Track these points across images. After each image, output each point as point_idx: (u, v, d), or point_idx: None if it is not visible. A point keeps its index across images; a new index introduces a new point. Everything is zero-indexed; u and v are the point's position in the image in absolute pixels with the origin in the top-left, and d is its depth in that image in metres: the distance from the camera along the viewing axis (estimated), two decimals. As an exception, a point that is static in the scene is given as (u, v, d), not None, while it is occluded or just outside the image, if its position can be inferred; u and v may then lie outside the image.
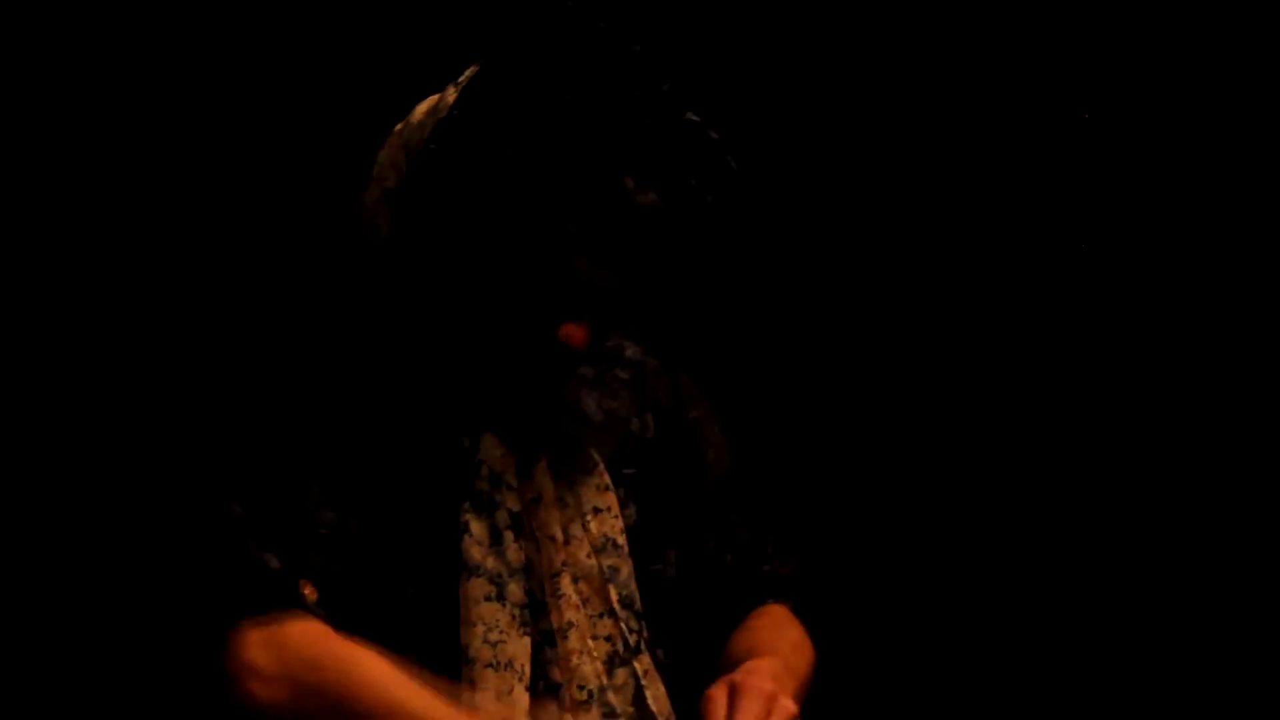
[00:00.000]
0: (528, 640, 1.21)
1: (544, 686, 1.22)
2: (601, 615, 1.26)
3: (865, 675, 3.56)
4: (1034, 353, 3.88)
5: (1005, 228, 3.95)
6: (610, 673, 1.25)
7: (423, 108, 1.29)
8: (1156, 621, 3.61)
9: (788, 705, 1.19)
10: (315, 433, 1.25)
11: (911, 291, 3.98)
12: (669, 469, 1.38)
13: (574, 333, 1.25)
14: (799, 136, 3.85)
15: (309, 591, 1.20)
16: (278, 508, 1.21)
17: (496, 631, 1.22)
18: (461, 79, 1.24)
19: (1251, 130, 3.50)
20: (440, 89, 1.26)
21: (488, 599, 1.22)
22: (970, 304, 3.94)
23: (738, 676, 1.19)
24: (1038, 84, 3.91)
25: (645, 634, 1.27)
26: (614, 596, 1.27)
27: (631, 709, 1.26)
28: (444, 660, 1.21)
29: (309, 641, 1.19)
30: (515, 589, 1.22)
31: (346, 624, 1.20)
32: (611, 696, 1.24)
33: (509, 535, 1.24)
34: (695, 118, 1.22)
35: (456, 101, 1.21)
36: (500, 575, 1.23)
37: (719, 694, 1.18)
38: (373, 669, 1.17)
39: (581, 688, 1.24)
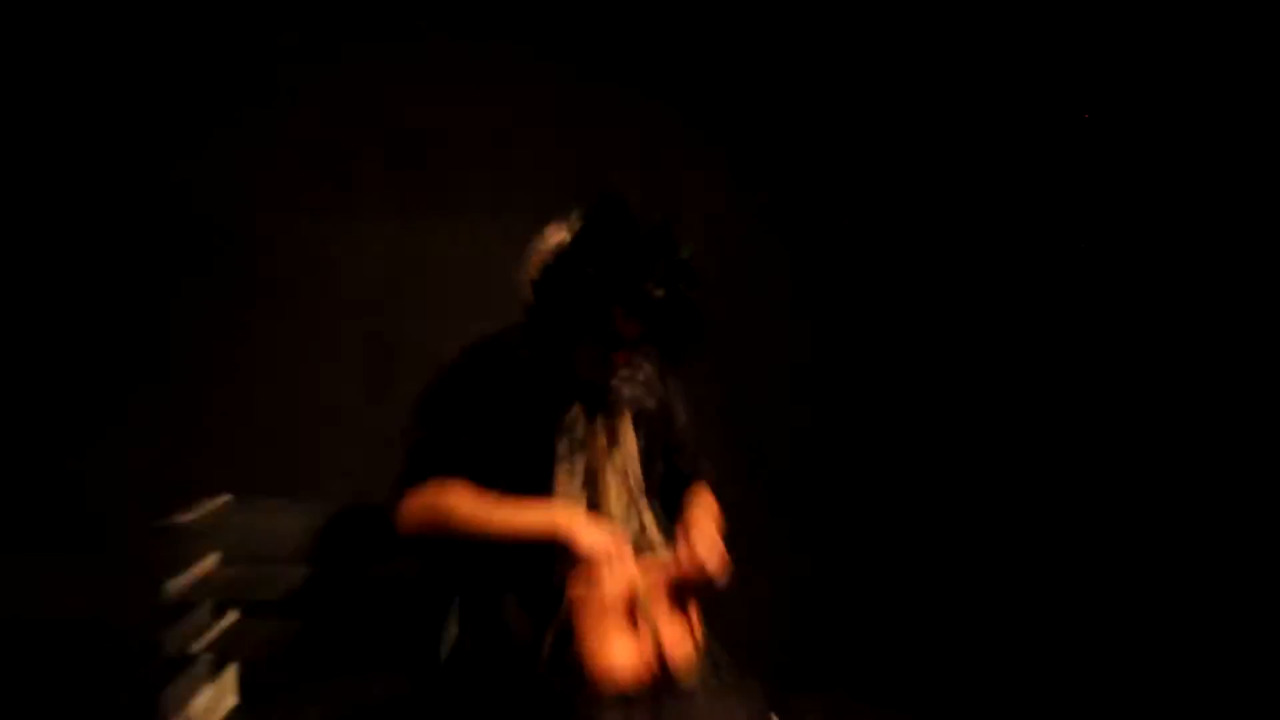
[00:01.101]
0: (585, 495, 2.45)
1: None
2: (625, 487, 2.49)
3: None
4: (1017, 341, 3.87)
5: (990, 224, 3.95)
6: (627, 511, 2.48)
7: (551, 233, 2.42)
8: (1144, 612, 3.60)
9: (720, 551, 2.36)
10: (480, 404, 2.45)
11: (905, 289, 3.97)
12: (660, 424, 2.62)
13: (619, 356, 2.42)
14: (779, 135, 3.87)
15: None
16: (444, 443, 2.43)
17: (568, 489, 2.44)
18: (572, 224, 2.38)
19: (1247, 132, 3.45)
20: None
21: (566, 475, 2.45)
22: (954, 296, 3.93)
23: (694, 528, 2.42)
24: (1033, 85, 3.91)
25: (644, 496, 2.51)
26: (630, 478, 2.50)
27: (638, 528, 2.47)
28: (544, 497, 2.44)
29: (430, 492, 2.40)
30: (579, 472, 2.45)
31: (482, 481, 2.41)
32: (628, 523, 2.47)
33: (579, 449, 2.47)
34: (686, 256, 2.34)
35: (570, 243, 2.36)
36: (572, 466, 2.45)
37: (682, 534, 2.41)
38: (468, 495, 2.40)
39: (612, 518, 2.45)
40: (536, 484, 2.40)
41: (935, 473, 3.86)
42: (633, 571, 2.28)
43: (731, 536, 2.42)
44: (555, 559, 2.32)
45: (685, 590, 2.35)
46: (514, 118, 3.49)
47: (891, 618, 3.82)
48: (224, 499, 2.72)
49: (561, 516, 2.32)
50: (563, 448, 2.43)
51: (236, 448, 3.25)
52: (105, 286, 3.27)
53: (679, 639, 2.31)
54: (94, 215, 3.27)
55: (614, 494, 2.44)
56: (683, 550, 2.34)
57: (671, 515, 2.56)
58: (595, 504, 2.43)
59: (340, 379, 3.36)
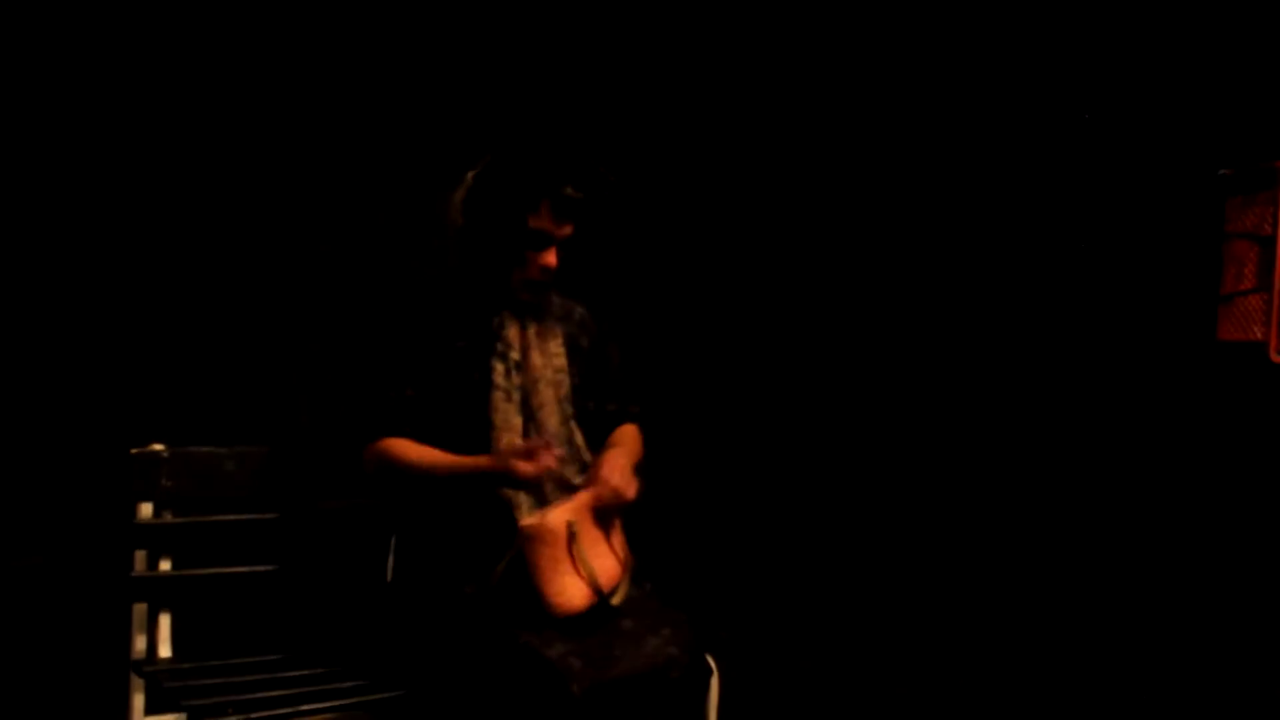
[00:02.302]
0: (521, 418, 2.57)
1: (535, 435, 2.56)
2: (557, 401, 2.62)
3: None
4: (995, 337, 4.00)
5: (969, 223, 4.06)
6: (560, 427, 2.61)
7: (470, 172, 2.62)
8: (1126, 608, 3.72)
9: (634, 480, 2.54)
10: (413, 334, 2.59)
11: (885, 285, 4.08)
12: (594, 362, 2.75)
13: (549, 259, 2.55)
14: (747, 135, 3.95)
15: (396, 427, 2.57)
16: (385, 389, 2.57)
17: (507, 414, 2.57)
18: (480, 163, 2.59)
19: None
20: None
21: (504, 400, 2.57)
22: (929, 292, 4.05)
23: (607, 459, 2.55)
24: (1023, 87, 4.01)
25: (575, 413, 2.65)
26: (562, 392, 2.64)
27: (571, 443, 2.60)
28: (478, 433, 2.54)
29: (389, 445, 2.55)
30: (515, 394, 2.59)
31: (425, 430, 2.55)
32: (561, 437, 2.59)
33: (514, 370, 2.60)
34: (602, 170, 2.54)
35: (491, 160, 2.57)
36: (509, 389, 2.58)
37: (597, 465, 2.54)
38: (421, 449, 2.54)
39: (549, 433, 2.56)
40: (477, 410, 2.53)
41: (856, 418, 3.98)
42: (566, 504, 2.43)
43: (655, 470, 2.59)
44: (500, 493, 2.48)
45: (607, 516, 2.50)
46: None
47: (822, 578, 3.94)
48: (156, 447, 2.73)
49: (499, 459, 2.45)
50: (499, 374, 2.55)
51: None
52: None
53: (608, 565, 2.46)
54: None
55: (550, 408, 2.58)
56: (597, 478, 2.49)
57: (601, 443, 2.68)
58: (532, 418, 2.57)
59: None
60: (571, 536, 2.39)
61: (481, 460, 2.46)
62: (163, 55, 3.17)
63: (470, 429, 2.52)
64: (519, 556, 2.38)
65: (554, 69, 3.65)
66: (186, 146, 3.21)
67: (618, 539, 2.54)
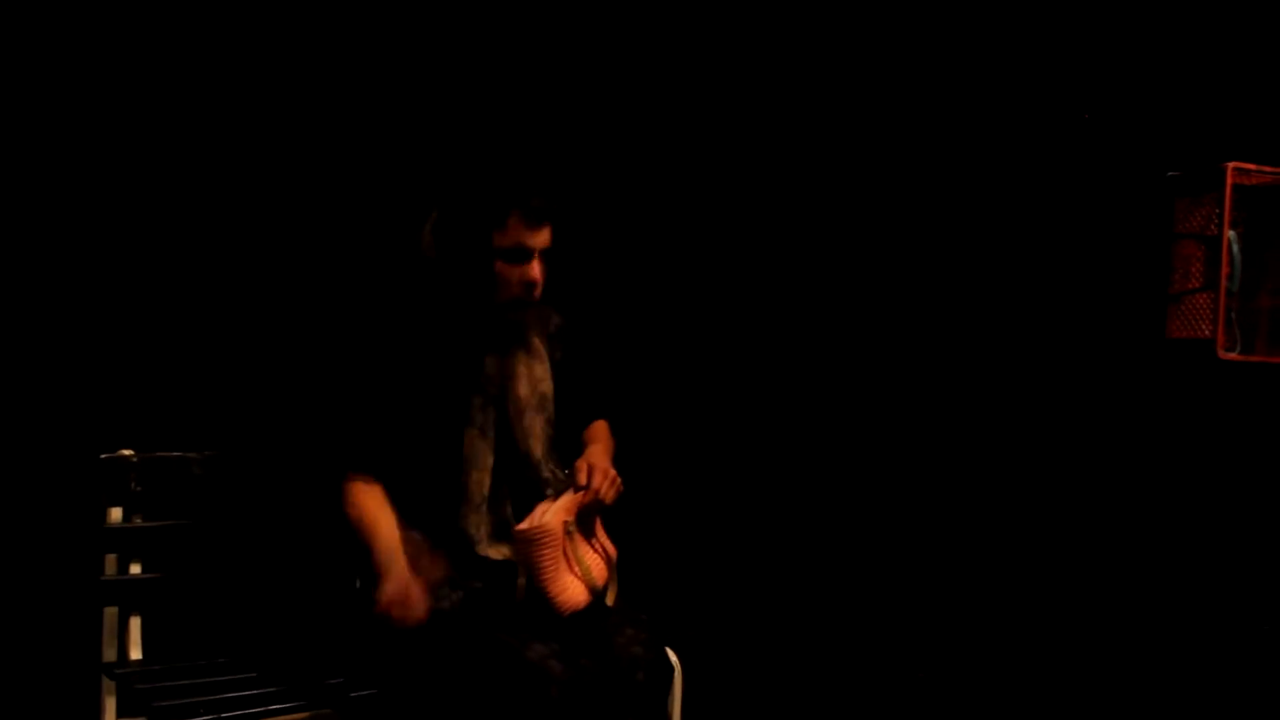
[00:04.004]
0: (493, 456, 2.54)
1: (513, 458, 2.56)
2: (544, 428, 2.61)
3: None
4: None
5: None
6: (548, 451, 2.62)
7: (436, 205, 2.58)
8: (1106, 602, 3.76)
9: (617, 476, 2.54)
10: (389, 367, 2.53)
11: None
12: (570, 368, 2.72)
13: (532, 272, 2.49)
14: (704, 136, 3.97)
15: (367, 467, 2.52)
16: (359, 424, 2.52)
17: (479, 451, 2.54)
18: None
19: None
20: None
21: (479, 437, 2.54)
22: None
23: (590, 459, 2.55)
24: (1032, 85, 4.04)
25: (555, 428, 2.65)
26: (548, 415, 2.62)
27: (555, 466, 2.60)
28: (451, 469, 2.52)
29: (354, 490, 2.50)
30: (491, 430, 2.55)
31: (399, 466, 2.51)
32: (547, 464, 2.61)
33: (491, 404, 2.56)
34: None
35: (454, 190, 2.53)
36: (485, 424, 2.55)
37: (582, 465, 2.53)
38: (371, 509, 2.49)
39: (532, 456, 2.58)
40: (451, 446, 2.51)
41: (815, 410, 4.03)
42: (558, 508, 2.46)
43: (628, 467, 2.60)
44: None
45: (590, 515, 2.53)
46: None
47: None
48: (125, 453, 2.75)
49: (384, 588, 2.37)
50: (476, 408, 2.52)
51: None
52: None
53: (598, 563, 2.51)
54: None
55: (536, 438, 2.57)
56: (582, 479, 2.49)
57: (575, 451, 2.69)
58: (514, 450, 2.55)
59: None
60: (568, 536, 2.43)
61: (382, 560, 2.38)
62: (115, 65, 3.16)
63: (443, 464, 2.50)
64: (521, 559, 2.42)
65: (519, 73, 3.66)
66: (156, 150, 3.19)
67: (601, 536, 2.57)
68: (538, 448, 2.57)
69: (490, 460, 2.52)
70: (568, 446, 2.67)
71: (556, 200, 2.49)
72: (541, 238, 2.46)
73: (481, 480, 2.50)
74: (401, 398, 2.50)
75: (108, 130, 3.13)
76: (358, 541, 2.45)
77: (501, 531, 2.50)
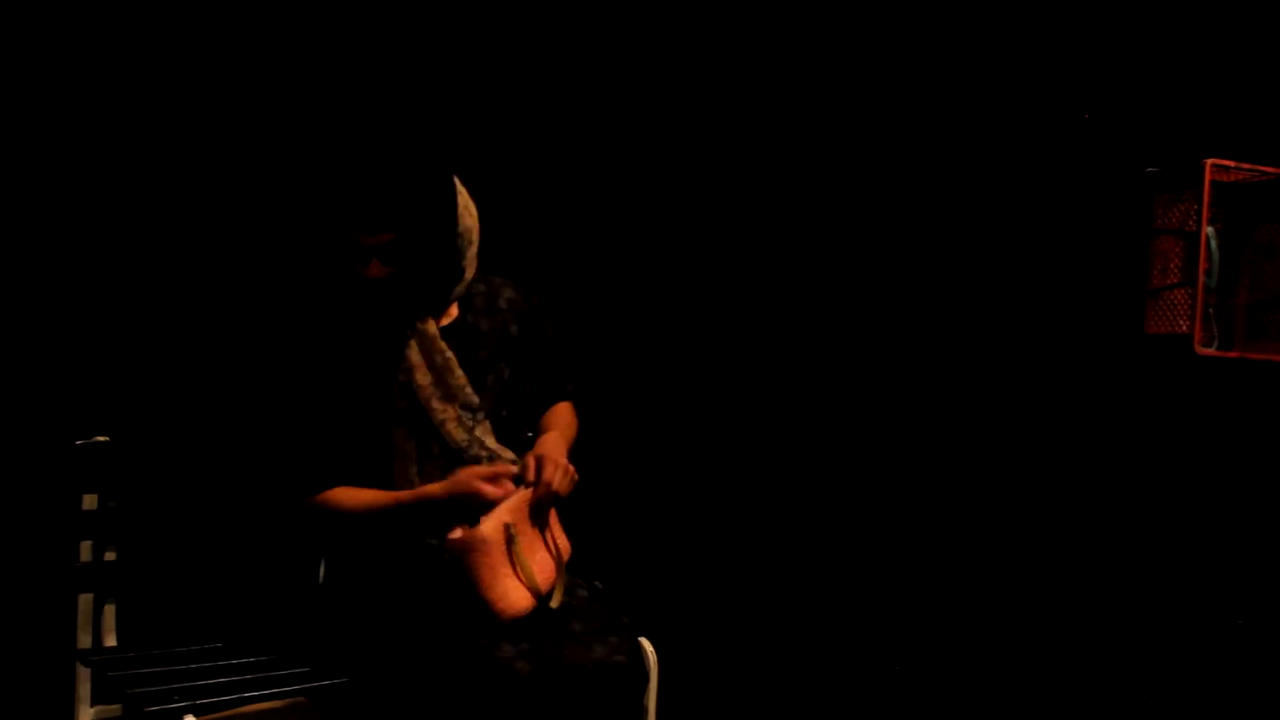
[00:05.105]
0: (414, 441, 2.50)
1: (438, 451, 2.53)
2: (458, 416, 2.52)
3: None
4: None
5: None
6: (469, 437, 2.53)
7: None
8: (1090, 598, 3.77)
9: (570, 467, 2.47)
10: (302, 372, 2.52)
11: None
12: (528, 347, 2.68)
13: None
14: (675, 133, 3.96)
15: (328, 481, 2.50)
16: (292, 442, 2.51)
17: (400, 440, 2.50)
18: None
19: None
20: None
21: (397, 425, 2.50)
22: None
23: (541, 450, 2.48)
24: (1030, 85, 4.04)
25: (486, 418, 2.57)
26: (460, 400, 2.52)
27: (482, 451, 2.52)
28: (382, 463, 2.51)
29: (324, 500, 2.49)
30: (405, 420, 2.50)
31: (343, 469, 2.51)
32: (470, 448, 2.53)
33: (404, 393, 2.50)
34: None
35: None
36: (403, 414, 2.50)
37: (530, 460, 2.45)
38: (357, 496, 2.49)
39: (451, 442, 2.51)
40: (380, 439, 2.50)
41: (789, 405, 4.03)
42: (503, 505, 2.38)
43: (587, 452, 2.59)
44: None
45: (543, 509, 2.46)
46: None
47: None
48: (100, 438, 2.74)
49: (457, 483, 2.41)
50: (396, 398, 2.49)
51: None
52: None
53: (546, 564, 2.45)
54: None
55: (451, 424, 2.51)
56: (530, 475, 2.42)
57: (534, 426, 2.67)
58: (434, 437, 2.50)
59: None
60: (510, 540, 2.36)
61: (433, 488, 2.42)
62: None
63: (374, 459, 2.49)
64: (459, 566, 2.35)
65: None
66: (118, 143, 3.16)
67: (554, 531, 2.51)
68: (458, 433, 2.50)
69: (411, 447, 2.49)
70: (528, 421, 2.64)
71: (404, 199, 2.37)
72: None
73: (406, 468, 2.48)
74: (317, 409, 2.48)
75: (70, 124, 3.10)
76: (365, 525, 2.46)
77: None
